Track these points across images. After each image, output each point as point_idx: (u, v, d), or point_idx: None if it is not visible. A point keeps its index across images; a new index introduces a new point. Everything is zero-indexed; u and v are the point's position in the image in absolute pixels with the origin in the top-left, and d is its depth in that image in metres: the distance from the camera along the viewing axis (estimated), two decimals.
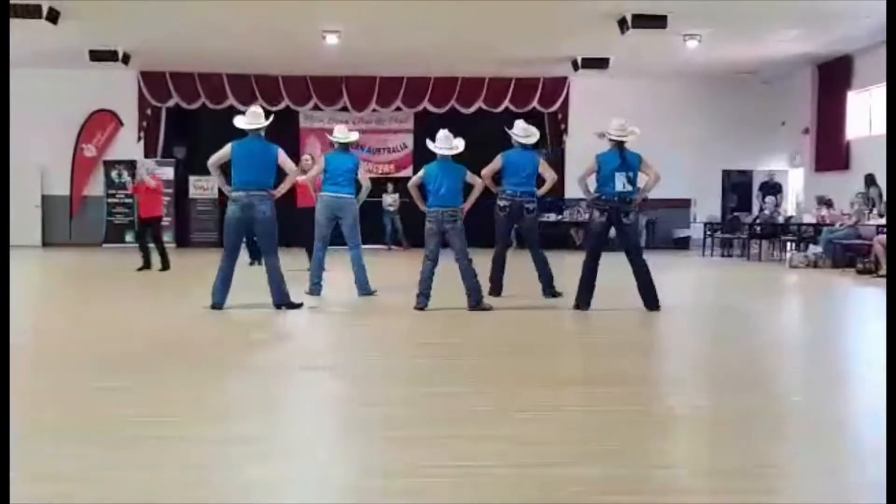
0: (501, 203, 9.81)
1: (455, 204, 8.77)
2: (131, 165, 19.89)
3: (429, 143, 9.17)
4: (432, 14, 14.50)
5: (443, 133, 9.09)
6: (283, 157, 8.74)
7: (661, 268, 16.06)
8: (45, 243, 20.49)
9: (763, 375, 5.96)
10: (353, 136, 10.21)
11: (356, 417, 4.57)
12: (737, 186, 22.06)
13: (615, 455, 3.85)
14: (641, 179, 8.89)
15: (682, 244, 21.01)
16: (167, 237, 18.27)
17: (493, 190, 9.87)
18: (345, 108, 20.76)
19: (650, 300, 8.69)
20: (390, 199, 20.12)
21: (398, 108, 20.96)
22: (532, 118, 20.83)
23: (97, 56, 17.80)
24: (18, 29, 15.08)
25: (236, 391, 5.24)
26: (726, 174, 21.80)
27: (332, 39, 16.05)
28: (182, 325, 7.91)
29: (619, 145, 8.66)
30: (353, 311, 9.15)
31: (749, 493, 3.40)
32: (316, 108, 20.81)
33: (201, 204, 20.87)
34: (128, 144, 20.55)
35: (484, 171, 9.67)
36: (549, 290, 9.83)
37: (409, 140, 21.19)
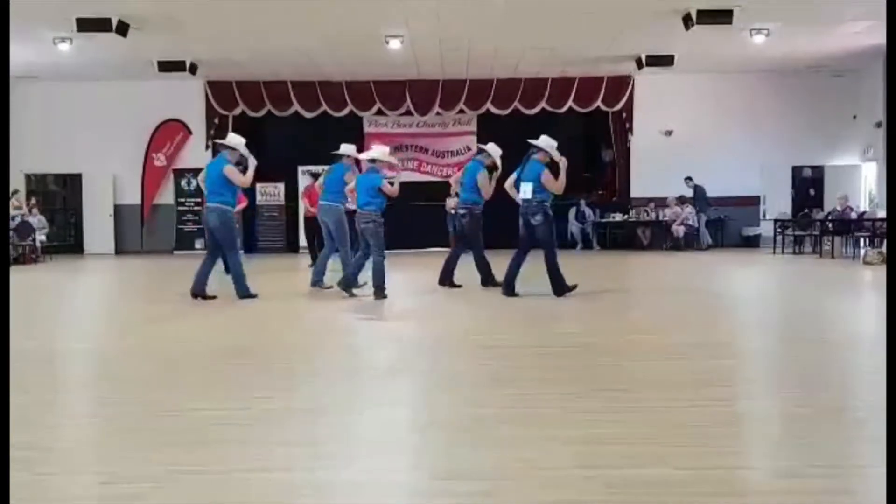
0: (461, 211, 11.23)
1: (368, 208, 10.00)
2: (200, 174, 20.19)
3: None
4: (494, 16, 14.47)
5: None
6: (227, 171, 9.80)
7: (733, 266, 15.89)
8: (119, 251, 20.94)
9: (841, 374, 5.82)
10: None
11: (424, 420, 4.56)
12: (807, 182, 21.57)
13: (684, 456, 3.78)
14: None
15: (752, 242, 20.66)
16: None
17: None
18: (408, 112, 20.83)
19: (558, 289, 9.77)
20: (452, 203, 19.94)
21: (461, 111, 20.92)
22: (596, 117, 21.07)
23: (165, 67, 18.13)
24: (89, 42, 15.48)
25: (305, 393, 5.29)
26: (797, 170, 21.34)
27: (394, 44, 16.13)
28: (252, 328, 8.01)
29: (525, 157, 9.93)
30: (409, 314, 9.12)
31: (822, 494, 3.33)
32: (380, 112, 20.88)
33: (268, 210, 21.13)
34: (196, 153, 20.76)
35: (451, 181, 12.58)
36: (486, 283, 10.96)
37: (472, 142, 21.09)
